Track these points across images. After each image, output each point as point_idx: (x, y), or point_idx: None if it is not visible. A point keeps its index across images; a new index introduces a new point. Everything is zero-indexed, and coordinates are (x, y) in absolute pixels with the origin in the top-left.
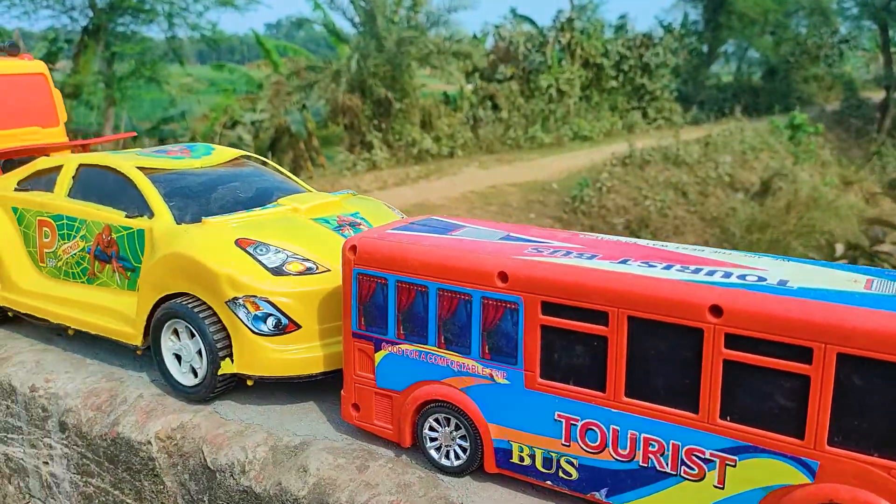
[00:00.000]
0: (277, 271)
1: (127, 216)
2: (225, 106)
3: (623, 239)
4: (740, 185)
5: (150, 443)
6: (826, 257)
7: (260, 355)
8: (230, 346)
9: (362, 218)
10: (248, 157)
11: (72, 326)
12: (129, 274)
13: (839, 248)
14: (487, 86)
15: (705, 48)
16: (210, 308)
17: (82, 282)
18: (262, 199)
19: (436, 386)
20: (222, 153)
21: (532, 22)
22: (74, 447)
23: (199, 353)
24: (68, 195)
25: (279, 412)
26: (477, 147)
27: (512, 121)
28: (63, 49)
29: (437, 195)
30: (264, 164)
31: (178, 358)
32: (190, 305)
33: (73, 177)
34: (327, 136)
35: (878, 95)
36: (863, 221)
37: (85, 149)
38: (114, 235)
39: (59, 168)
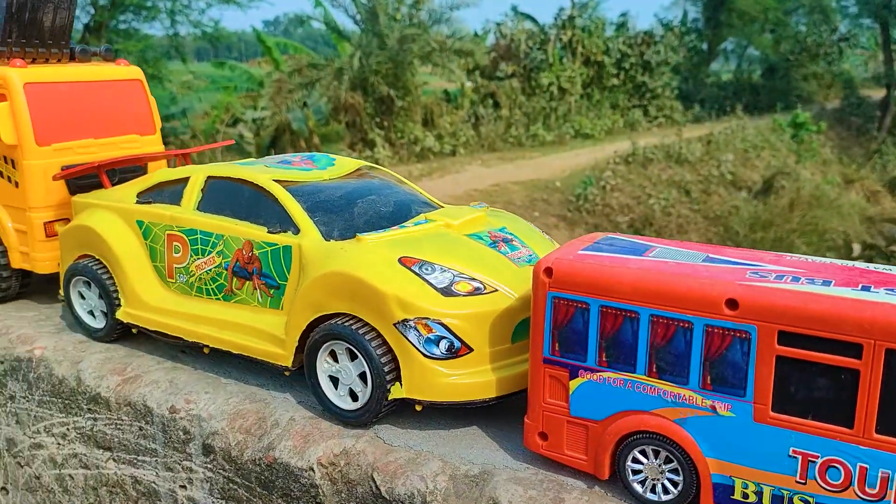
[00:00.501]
0: (447, 292)
1: (269, 232)
2: (226, 103)
3: (827, 260)
4: (742, 183)
5: (311, 469)
6: (843, 257)
7: (432, 380)
8: (397, 369)
9: (511, 233)
10: (370, 168)
11: (208, 345)
12: (272, 291)
13: (856, 248)
14: (488, 84)
15: (705, 46)
16: (375, 330)
17: (217, 298)
18: (403, 213)
19: (644, 416)
20: (345, 164)
21: (533, 20)
22: (220, 471)
23: (361, 376)
24: (197, 209)
25: (445, 438)
26: (479, 145)
27: (513, 119)
28: None
29: (440, 193)
30: (374, 172)
31: (333, 380)
32: (354, 327)
33: (202, 189)
34: (327, 133)
35: (876, 94)
36: (864, 220)
37: (186, 158)
38: (255, 252)
39: (184, 180)
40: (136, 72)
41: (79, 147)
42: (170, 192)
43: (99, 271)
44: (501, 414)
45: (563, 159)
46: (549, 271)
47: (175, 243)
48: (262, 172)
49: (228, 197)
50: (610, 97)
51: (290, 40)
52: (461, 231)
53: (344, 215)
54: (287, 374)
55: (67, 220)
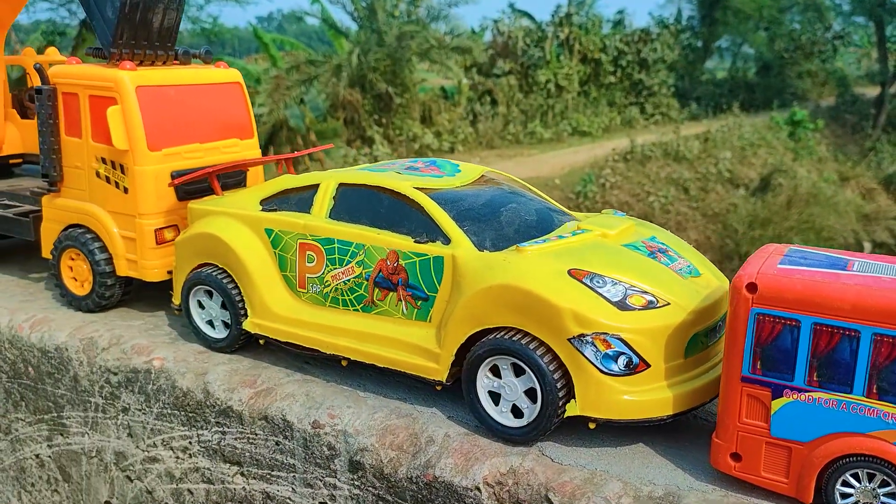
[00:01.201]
0: (622, 305)
1: (416, 241)
2: None
3: None
4: (740, 181)
5: (477, 489)
6: None
7: (609, 397)
8: (569, 385)
9: (663, 243)
10: (493, 173)
11: (348, 357)
12: (419, 303)
13: (867, 246)
14: (485, 81)
15: (699, 44)
16: (545, 345)
17: (356, 309)
18: (547, 221)
19: (860, 438)
20: (470, 169)
21: (531, 17)
22: (370, 489)
23: (528, 392)
24: (329, 216)
25: (616, 456)
26: (477, 142)
27: (511, 116)
28: (55, 42)
29: None
30: (498, 177)
31: (493, 396)
32: (523, 342)
33: (334, 197)
34: (324, 130)
35: (870, 91)
36: (860, 217)
37: (289, 163)
38: (402, 262)
39: (312, 188)
40: (235, 74)
41: (186, 152)
42: (297, 199)
43: (224, 281)
44: (669, 431)
45: (561, 157)
46: (752, 287)
47: (309, 252)
48: (400, 180)
49: (365, 205)
50: (607, 94)
51: (286, 37)
52: (617, 241)
53: (492, 224)
54: (439, 388)
55: (175, 227)
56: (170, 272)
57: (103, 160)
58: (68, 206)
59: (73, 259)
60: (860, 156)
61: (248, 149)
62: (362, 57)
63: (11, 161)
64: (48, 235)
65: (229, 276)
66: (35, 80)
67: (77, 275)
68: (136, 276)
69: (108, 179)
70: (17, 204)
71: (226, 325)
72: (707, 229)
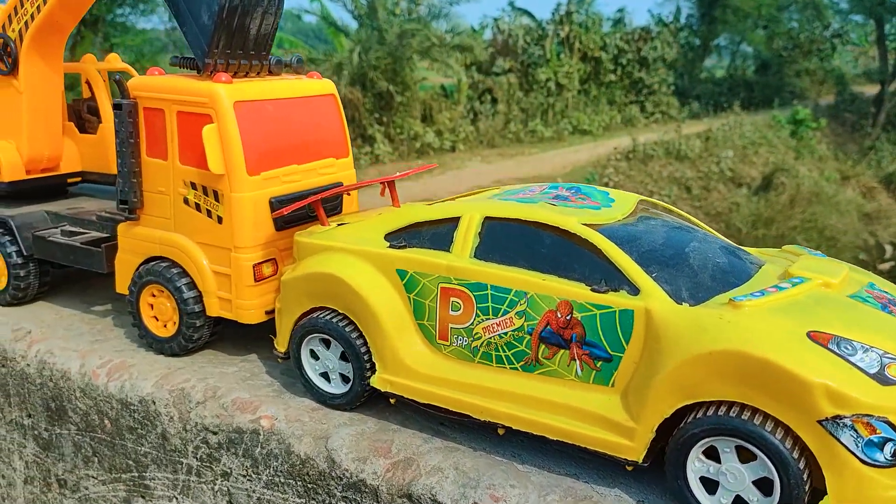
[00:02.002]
0: (882, 379)
1: (594, 290)
2: None
3: None
4: (741, 180)
5: None
6: (875, 259)
7: (870, 492)
8: (813, 476)
9: (886, 291)
10: (649, 202)
11: (508, 425)
12: (598, 364)
13: (888, 249)
14: (485, 79)
15: (697, 42)
16: (783, 425)
17: (514, 368)
18: (741, 266)
19: None
20: (624, 198)
21: (531, 15)
22: None
23: (758, 483)
24: (474, 256)
25: None
26: (477, 141)
27: (511, 115)
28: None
29: (443, 190)
30: (656, 207)
31: (705, 481)
32: (755, 421)
33: (479, 233)
34: None
35: (868, 90)
36: (862, 216)
37: (392, 187)
38: (577, 315)
39: (450, 221)
40: (329, 86)
41: (284, 175)
42: (431, 234)
43: (346, 328)
44: None
45: (562, 155)
46: None
47: (453, 299)
48: (561, 213)
49: (520, 243)
50: (607, 93)
51: (284, 35)
52: (842, 291)
53: (682, 269)
54: (630, 468)
55: (274, 261)
56: (268, 312)
57: (193, 185)
58: (149, 235)
59: (154, 296)
60: (860, 154)
61: (344, 168)
62: (363, 55)
63: (70, 180)
64: (124, 269)
65: (352, 323)
66: (99, 89)
67: (160, 314)
68: (229, 317)
69: (198, 207)
70: (82, 230)
71: (344, 378)
72: (710, 228)
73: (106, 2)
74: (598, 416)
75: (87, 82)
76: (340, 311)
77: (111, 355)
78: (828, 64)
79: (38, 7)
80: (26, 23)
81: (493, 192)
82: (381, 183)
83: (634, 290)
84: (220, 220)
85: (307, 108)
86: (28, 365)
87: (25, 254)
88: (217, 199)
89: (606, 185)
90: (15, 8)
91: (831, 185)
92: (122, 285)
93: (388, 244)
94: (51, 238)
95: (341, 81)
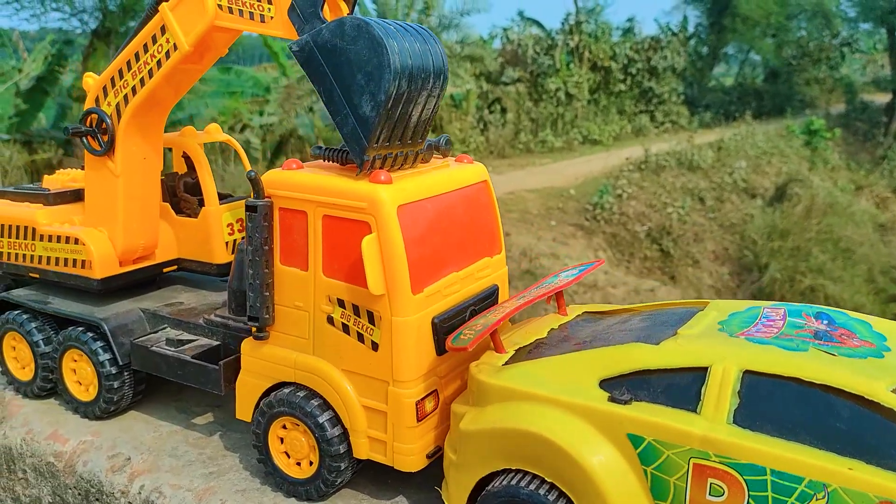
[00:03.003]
0: None
1: None
2: (233, 109)
3: None
4: (755, 190)
5: None
6: None
7: None
8: None
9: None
10: None
11: None
12: None
13: None
14: (494, 88)
15: (705, 50)
16: None
17: None
18: None
19: None
20: (891, 329)
21: (540, 25)
22: None
23: None
24: (733, 422)
25: None
26: (487, 151)
27: (521, 124)
28: (62, 51)
29: None
30: None
31: None
32: None
33: (738, 391)
34: (332, 138)
35: (878, 98)
36: (877, 227)
37: (560, 299)
38: None
39: (693, 371)
40: (482, 171)
41: (445, 288)
42: (665, 386)
43: (558, 502)
44: None
45: (574, 166)
46: None
47: (713, 481)
48: (856, 374)
49: (802, 410)
50: (617, 102)
51: (282, 45)
52: None
53: None
54: None
55: (436, 394)
56: (429, 456)
57: (341, 303)
58: (282, 357)
59: (285, 428)
60: (872, 164)
61: (497, 267)
62: None
63: (165, 269)
64: (248, 393)
65: (564, 496)
66: (202, 168)
67: (292, 450)
68: (383, 462)
69: (345, 328)
70: (188, 336)
71: None
72: (724, 240)
73: (119, 14)
74: None
75: (185, 156)
76: (547, 480)
77: (234, 498)
78: (837, 72)
79: (141, 80)
80: (126, 96)
81: (711, 315)
82: (549, 296)
83: None
84: (374, 346)
85: (464, 200)
86: (130, 503)
87: (121, 363)
88: (372, 322)
89: (620, 196)
90: (112, 79)
91: (845, 196)
92: (244, 411)
93: (606, 395)
94: (154, 348)
95: None
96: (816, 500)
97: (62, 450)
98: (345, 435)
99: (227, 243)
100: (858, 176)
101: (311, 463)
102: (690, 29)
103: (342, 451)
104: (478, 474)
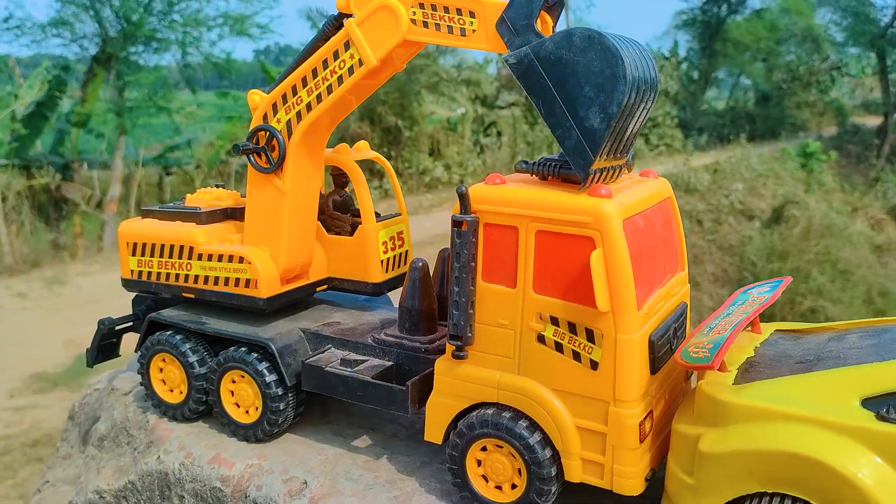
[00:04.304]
0: None
1: None
2: (231, 134)
3: None
4: (751, 212)
5: None
6: None
7: None
8: None
9: None
10: None
11: None
12: None
13: None
14: (490, 112)
15: (696, 74)
16: None
17: None
18: None
19: None
20: None
21: None
22: None
23: None
24: None
25: None
26: (485, 174)
27: (517, 148)
28: (60, 77)
29: None
30: None
31: None
32: None
33: None
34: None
35: (868, 121)
36: (873, 248)
37: (755, 325)
38: None
39: None
40: (669, 187)
41: (654, 305)
42: None
43: None
44: None
45: None
46: None
47: None
48: None
49: None
50: None
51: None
52: None
53: None
54: None
55: (651, 414)
56: (647, 479)
57: (554, 321)
58: (483, 377)
59: (485, 451)
60: (866, 186)
61: (683, 284)
62: None
63: (318, 289)
64: (441, 414)
65: None
66: (360, 185)
67: (493, 473)
68: (600, 485)
69: (558, 347)
70: (358, 356)
71: None
72: (724, 262)
73: (119, 40)
74: None
75: (336, 175)
76: (812, 503)
77: None
78: (827, 96)
79: (318, 96)
80: (298, 113)
81: None
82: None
83: None
84: (594, 364)
85: (659, 215)
86: None
87: (289, 384)
88: (592, 340)
89: None
90: (284, 96)
91: (841, 218)
92: (434, 433)
93: (871, 414)
94: (329, 369)
95: (350, 117)
96: None
97: (229, 474)
98: (555, 457)
99: (382, 262)
100: (853, 198)
101: (513, 486)
102: (682, 53)
103: (553, 474)
104: (724, 498)
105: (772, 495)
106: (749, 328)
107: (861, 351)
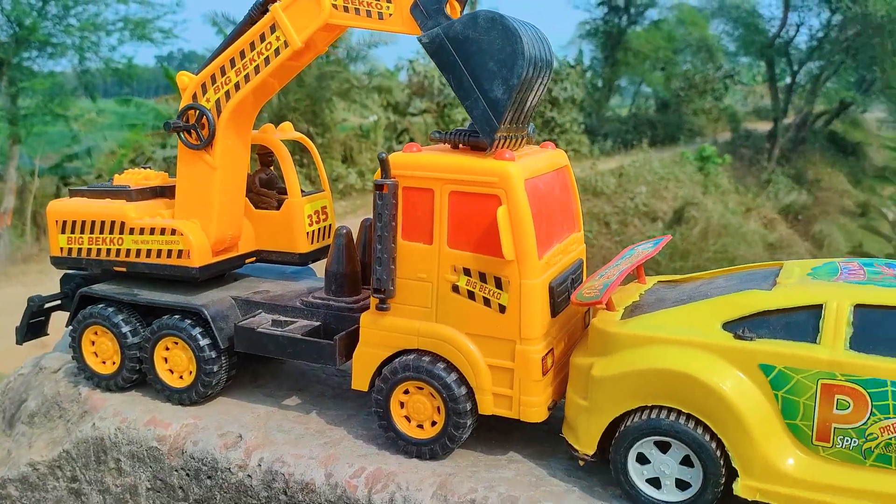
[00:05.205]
0: None
1: None
2: (134, 142)
3: None
4: (654, 214)
5: None
6: None
7: None
8: None
9: None
10: None
11: None
12: None
13: None
14: (402, 119)
15: (600, 82)
16: None
17: None
18: None
19: None
20: None
21: None
22: None
23: None
24: (850, 348)
25: None
26: None
27: None
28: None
29: None
30: None
31: None
32: None
33: (851, 322)
34: None
35: (759, 126)
36: (766, 246)
37: (640, 271)
38: None
39: (807, 309)
40: (564, 157)
41: (552, 258)
42: (784, 324)
43: (696, 431)
44: None
45: None
46: None
47: (840, 397)
48: None
49: None
50: None
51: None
52: None
53: None
54: None
55: (552, 352)
56: (550, 408)
57: (467, 272)
58: (405, 327)
59: (407, 394)
60: (758, 187)
61: (580, 243)
62: (282, 97)
63: (247, 261)
64: (367, 363)
65: (701, 424)
66: (285, 161)
67: (415, 413)
68: (509, 416)
69: (471, 295)
70: (287, 318)
71: (680, 484)
72: None
73: (11, 45)
74: None
75: (262, 154)
76: (685, 411)
77: (359, 462)
78: (721, 103)
79: (245, 76)
80: (227, 92)
81: (795, 270)
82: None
83: None
84: (502, 308)
85: (556, 181)
86: (249, 476)
87: (221, 347)
88: (500, 287)
89: None
90: (213, 77)
91: (737, 218)
92: (361, 381)
93: (730, 335)
94: (261, 330)
95: (261, 125)
96: None
97: (165, 434)
98: (470, 393)
99: (308, 233)
100: (747, 199)
101: (433, 424)
102: (586, 62)
103: (468, 409)
104: (612, 414)
105: (651, 408)
106: (636, 280)
107: (723, 288)
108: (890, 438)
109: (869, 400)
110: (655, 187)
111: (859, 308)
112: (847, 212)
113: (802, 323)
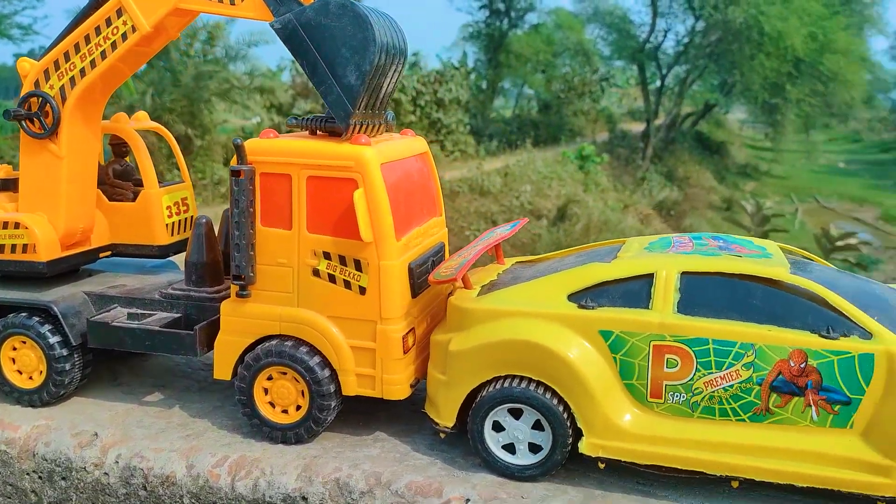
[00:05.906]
0: None
1: (826, 337)
2: None
3: None
4: (539, 212)
5: None
6: None
7: None
8: None
9: None
10: (788, 250)
11: (750, 477)
12: (836, 408)
13: None
14: (285, 120)
15: (484, 84)
16: None
17: (740, 419)
18: None
19: None
20: (770, 247)
21: None
22: None
23: None
24: (678, 311)
25: None
26: None
27: None
28: None
29: None
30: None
31: None
32: None
33: (678, 288)
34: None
35: (633, 126)
36: None
37: (498, 249)
38: (812, 362)
39: (642, 278)
40: (425, 144)
41: (412, 240)
42: (622, 292)
43: (545, 396)
44: None
45: None
46: None
47: (669, 356)
48: (766, 265)
49: (727, 296)
50: None
51: None
52: None
53: (892, 313)
54: None
55: (413, 331)
56: (412, 385)
57: (327, 255)
58: (266, 313)
59: (270, 380)
60: (634, 185)
61: (441, 227)
62: (156, 97)
63: (102, 255)
64: (228, 352)
65: (550, 389)
66: (140, 151)
67: (279, 398)
68: (371, 395)
69: (331, 278)
70: (146, 311)
71: (532, 448)
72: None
73: None
74: (845, 458)
75: (113, 145)
76: (535, 378)
77: (222, 451)
78: (598, 105)
79: (91, 61)
80: (72, 79)
81: (634, 244)
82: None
83: (866, 335)
84: (362, 290)
85: (416, 166)
86: (106, 474)
87: (74, 343)
88: (359, 269)
89: None
90: (56, 63)
91: (615, 214)
92: (223, 370)
93: (574, 305)
94: (116, 324)
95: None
96: (748, 356)
97: (14, 436)
98: (333, 376)
99: (167, 225)
100: (624, 196)
101: (298, 408)
102: (470, 64)
103: (332, 391)
104: (469, 386)
105: (505, 377)
106: (496, 261)
107: (572, 264)
108: (713, 392)
109: (694, 358)
110: (539, 186)
111: (685, 275)
112: (714, 206)
113: (637, 291)
